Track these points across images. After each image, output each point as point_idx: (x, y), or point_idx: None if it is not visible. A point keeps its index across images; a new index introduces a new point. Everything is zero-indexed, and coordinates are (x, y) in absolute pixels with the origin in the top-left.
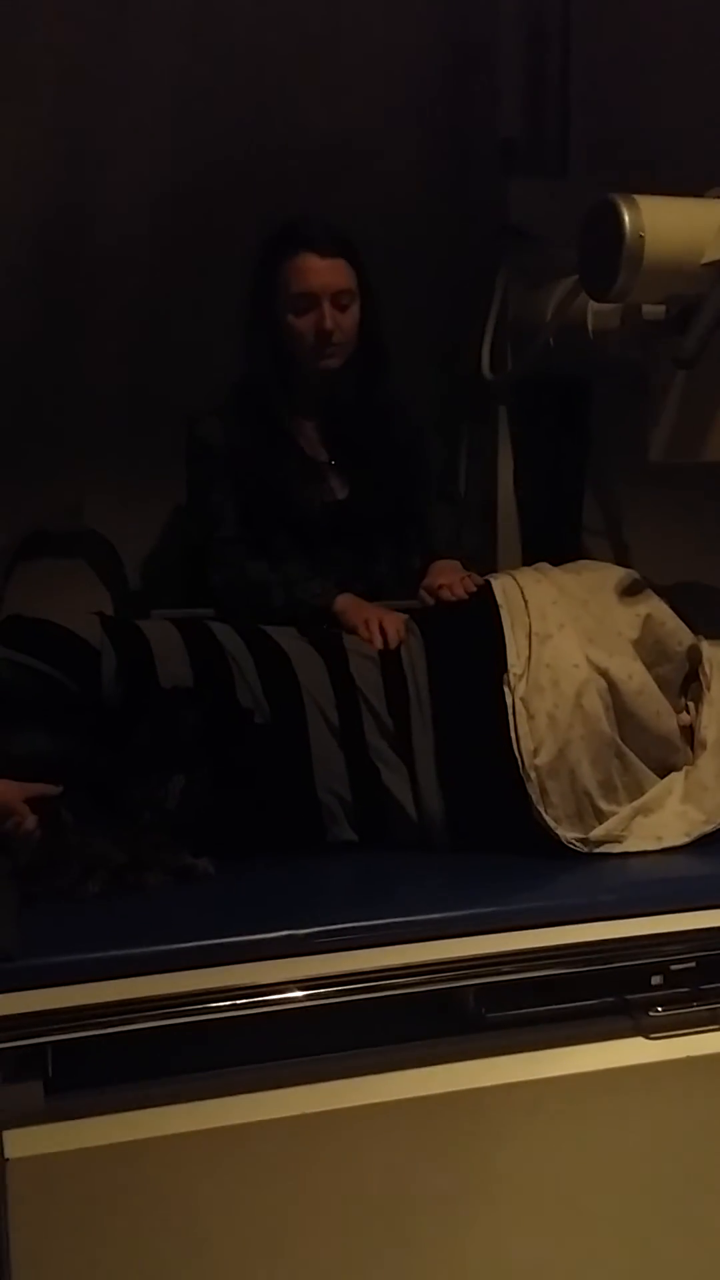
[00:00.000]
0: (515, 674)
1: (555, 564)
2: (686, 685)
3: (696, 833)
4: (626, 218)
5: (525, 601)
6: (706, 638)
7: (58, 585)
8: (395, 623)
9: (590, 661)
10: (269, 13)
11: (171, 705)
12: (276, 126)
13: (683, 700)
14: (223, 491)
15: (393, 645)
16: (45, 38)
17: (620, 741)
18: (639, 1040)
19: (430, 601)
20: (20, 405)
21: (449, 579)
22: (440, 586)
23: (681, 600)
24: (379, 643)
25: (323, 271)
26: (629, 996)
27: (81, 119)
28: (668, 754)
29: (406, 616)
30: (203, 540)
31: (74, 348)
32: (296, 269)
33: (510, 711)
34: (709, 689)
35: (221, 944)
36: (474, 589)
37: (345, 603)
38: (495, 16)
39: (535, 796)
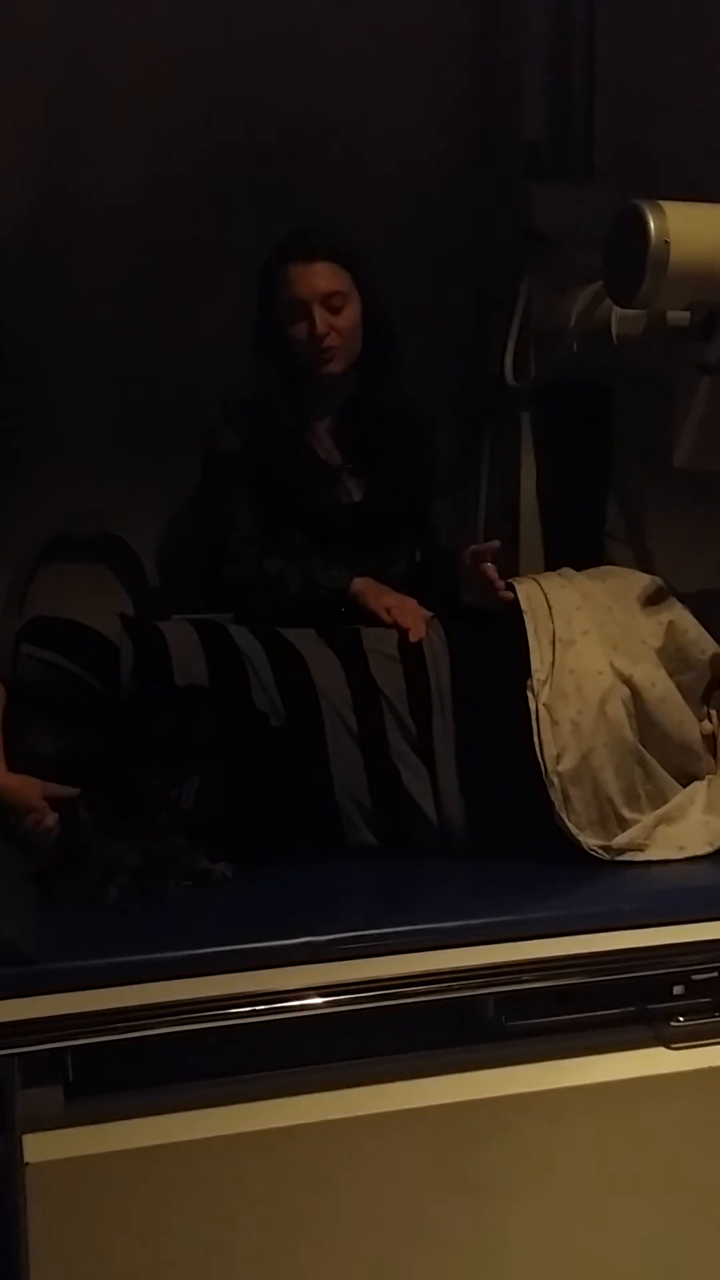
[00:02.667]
0: (539, 679)
1: (578, 570)
2: (709, 694)
3: (719, 843)
4: (652, 223)
5: (549, 607)
6: None
7: (80, 590)
8: (417, 612)
9: (614, 668)
10: (291, 13)
11: (186, 705)
12: (298, 131)
13: (705, 709)
14: (238, 496)
15: (414, 635)
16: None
17: (643, 749)
18: (660, 1050)
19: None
20: (42, 409)
21: (401, 610)
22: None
23: (704, 608)
24: (413, 630)
25: (307, 276)
26: (650, 1006)
27: (84, 115)
28: (690, 762)
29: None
30: (220, 543)
31: (92, 350)
32: (285, 279)
33: (534, 717)
34: None
35: (241, 950)
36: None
37: (363, 585)
38: (521, 20)
39: (558, 803)
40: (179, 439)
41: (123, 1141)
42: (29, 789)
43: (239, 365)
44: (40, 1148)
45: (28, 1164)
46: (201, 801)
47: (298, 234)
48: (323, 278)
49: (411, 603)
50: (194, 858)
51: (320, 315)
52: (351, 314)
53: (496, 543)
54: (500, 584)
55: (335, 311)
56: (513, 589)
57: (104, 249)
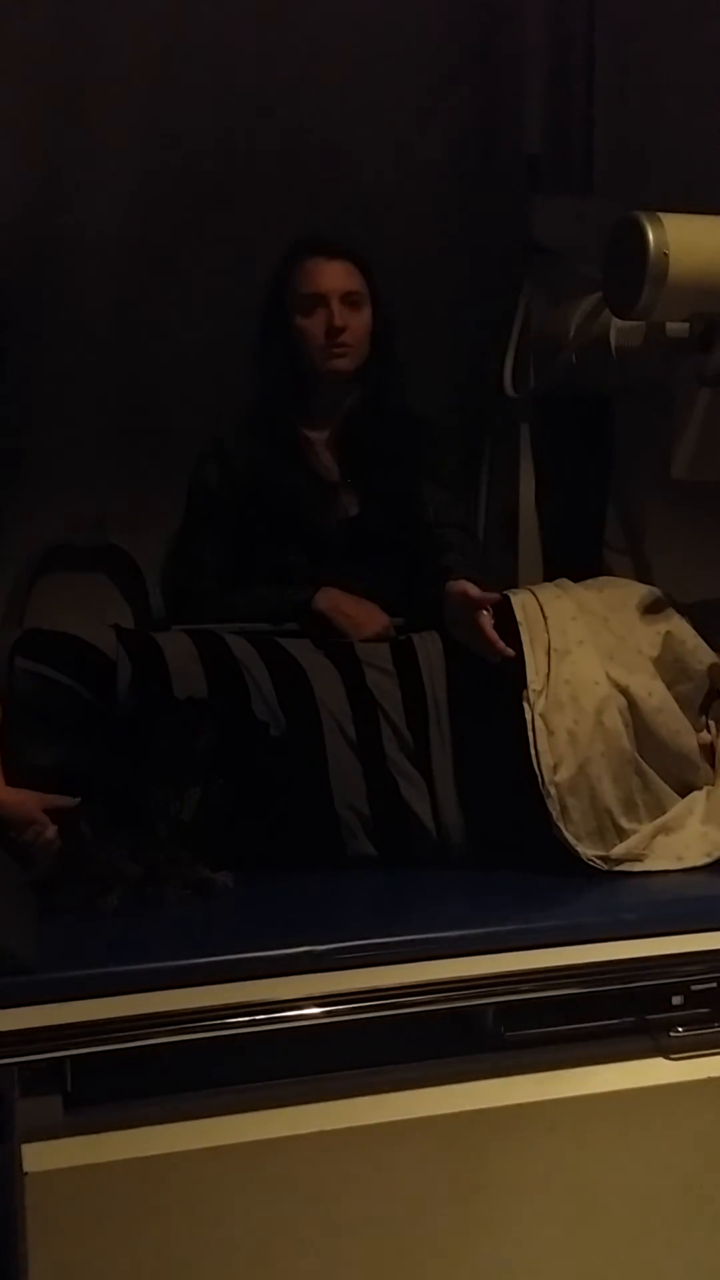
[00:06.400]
0: (534, 690)
1: (576, 580)
2: (707, 704)
3: (717, 853)
4: (650, 235)
5: (544, 617)
6: None
7: (79, 599)
8: (370, 616)
9: (610, 678)
10: (292, 23)
11: (186, 717)
12: (299, 142)
13: (703, 719)
14: (206, 539)
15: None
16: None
17: (640, 759)
18: (659, 1060)
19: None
20: (42, 417)
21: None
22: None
23: (703, 618)
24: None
25: (330, 272)
26: (649, 1016)
27: (82, 119)
28: (687, 772)
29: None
30: (181, 586)
31: (92, 358)
32: (304, 271)
33: (530, 727)
34: None
35: (240, 959)
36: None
37: (326, 602)
38: (520, 33)
39: (555, 813)
40: (179, 447)
41: (122, 1151)
42: (28, 802)
43: (241, 373)
44: (39, 1157)
45: (27, 1173)
46: (202, 812)
47: (315, 236)
48: (345, 276)
49: (370, 607)
50: (194, 868)
51: (338, 310)
52: (366, 317)
53: (497, 596)
54: (499, 645)
55: (353, 309)
56: (509, 601)
57: (104, 257)
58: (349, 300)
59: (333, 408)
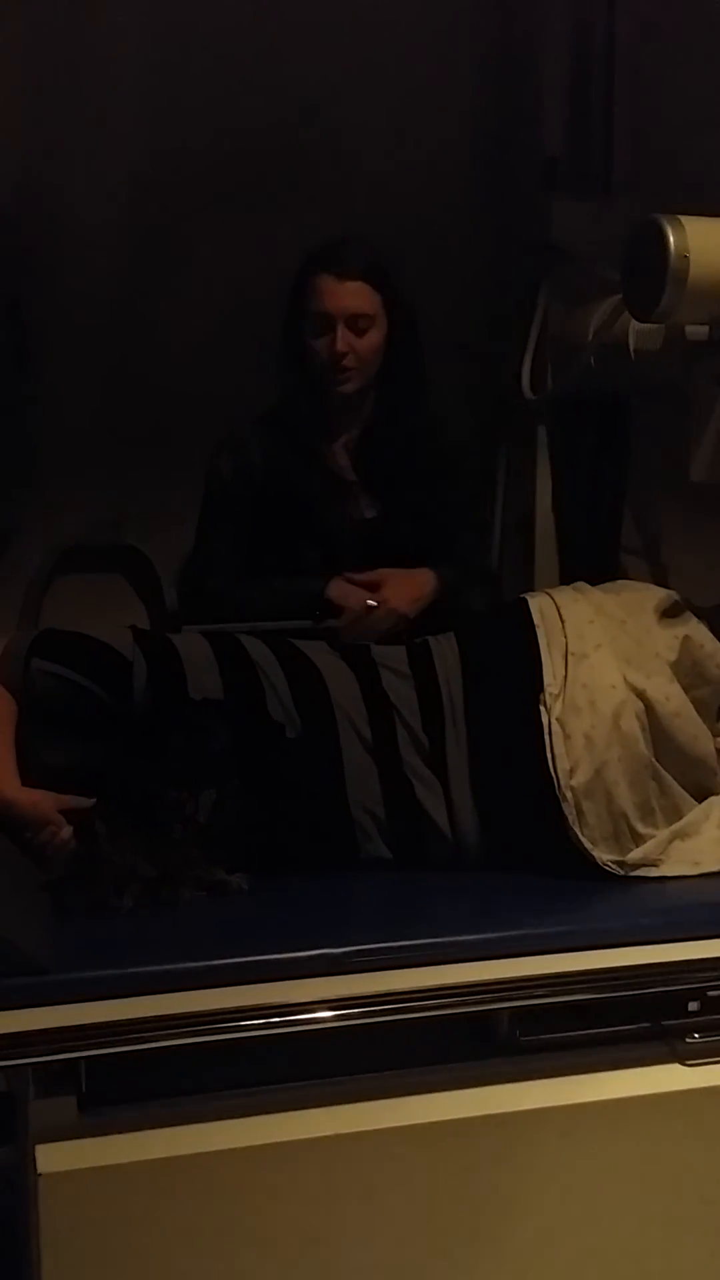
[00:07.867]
0: (551, 693)
1: (593, 584)
2: None
3: None
4: (671, 238)
5: (562, 620)
6: None
7: (94, 601)
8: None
9: (628, 682)
10: (309, 23)
11: (201, 718)
12: (318, 144)
13: None
14: (221, 533)
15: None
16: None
17: (657, 764)
18: (675, 1066)
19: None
20: (56, 417)
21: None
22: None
23: None
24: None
25: (338, 294)
26: (665, 1022)
27: (88, 117)
28: (704, 777)
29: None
30: (196, 579)
31: (106, 358)
32: (315, 290)
33: (546, 731)
34: None
35: (255, 961)
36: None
37: (338, 590)
38: (540, 36)
39: (571, 817)
40: (194, 447)
41: (135, 1153)
42: (44, 802)
43: (256, 373)
44: (53, 1158)
45: (40, 1174)
46: (217, 814)
47: (334, 245)
48: (353, 298)
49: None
50: (209, 870)
51: (343, 334)
52: (375, 338)
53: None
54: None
55: (359, 334)
56: (526, 604)
57: (117, 255)
58: (356, 325)
59: (348, 418)
